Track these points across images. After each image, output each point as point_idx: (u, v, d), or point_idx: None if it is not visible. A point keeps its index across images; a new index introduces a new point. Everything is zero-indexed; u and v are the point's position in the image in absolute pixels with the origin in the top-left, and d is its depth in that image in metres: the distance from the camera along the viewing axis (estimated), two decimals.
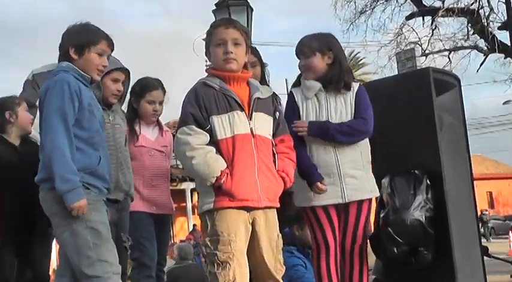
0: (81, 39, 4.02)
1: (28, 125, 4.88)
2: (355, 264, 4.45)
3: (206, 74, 4.09)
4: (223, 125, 3.86)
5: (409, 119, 4.77)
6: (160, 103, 5.08)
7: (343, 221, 4.45)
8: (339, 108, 4.43)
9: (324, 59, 4.48)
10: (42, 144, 3.90)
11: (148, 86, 4.99)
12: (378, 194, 4.53)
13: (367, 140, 4.48)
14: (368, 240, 4.55)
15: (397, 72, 14.19)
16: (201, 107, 3.87)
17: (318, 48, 4.49)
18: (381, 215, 4.62)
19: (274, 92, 4.31)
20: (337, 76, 4.43)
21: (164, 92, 5.13)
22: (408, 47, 15.87)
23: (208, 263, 3.84)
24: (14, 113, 4.83)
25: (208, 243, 3.81)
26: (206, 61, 4.45)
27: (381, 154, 4.52)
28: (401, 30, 18.64)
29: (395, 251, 4.48)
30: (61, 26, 4.70)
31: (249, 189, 3.80)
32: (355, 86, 4.49)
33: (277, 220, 3.99)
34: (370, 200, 4.48)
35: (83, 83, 3.99)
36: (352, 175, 4.38)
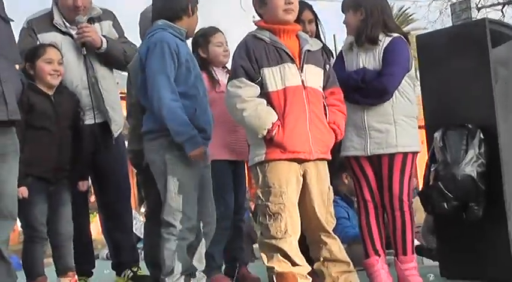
0: None
1: (46, 77, 4.73)
2: (397, 220, 4.35)
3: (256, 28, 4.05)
4: (274, 77, 3.84)
5: (464, 71, 4.65)
6: (227, 44, 5.13)
7: (378, 175, 4.42)
8: (367, 63, 4.41)
9: (357, 15, 4.46)
10: (149, 101, 4.10)
11: (210, 32, 5.01)
12: (410, 150, 4.38)
13: (404, 92, 4.38)
14: (417, 196, 4.50)
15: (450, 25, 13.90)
16: (251, 60, 3.85)
17: (351, 5, 4.51)
18: (431, 170, 4.55)
19: (324, 45, 4.30)
20: (361, 31, 4.41)
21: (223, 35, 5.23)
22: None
23: (260, 214, 3.85)
24: (33, 65, 4.74)
25: (260, 194, 3.82)
26: (254, 17, 4.43)
27: (433, 107, 4.46)
28: None
29: (446, 206, 4.42)
30: None
31: (301, 141, 3.79)
32: (386, 39, 4.39)
33: (328, 172, 3.98)
34: (405, 154, 4.35)
35: (180, 39, 4.18)
36: (377, 129, 4.34)
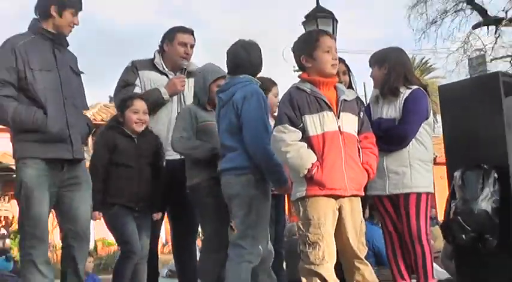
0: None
1: (132, 125, 4.87)
2: (418, 252, 4.32)
3: (299, 79, 4.08)
4: (315, 123, 3.85)
5: (480, 117, 4.69)
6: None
7: (397, 212, 4.42)
8: (390, 113, 4.45)
9: (381, 70, 4.50)
10: (247, 144, 4.20)
11: (271, 83, 5.10)
12: (423, 190, 4.36)
13: (420, 139, 4.38)
14: (436, 225, 4.48)
15: (465, 77, 13.84)
16: (294, 108, 3.87)
17: (376, 60, 4.56)
18: (452, 205, 4.54)
19: (358, 96, 4.31)
20: (384, 83, 4.45)
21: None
22: (474, 54, 15.70)
23: (301, 243, 3.85)
24: (122, 114, 4.91)
25: (301, 226, 3.83)
26: (294, 66, 4.48)
27: (454, 149, 4.48)
28: (468, 38, 18.11)
29: (464, 237, 4.42)
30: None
31: (337, 180, 3.78)
32: (407, 91, 4.42)
33: (361, 207, 3.97)
34: (418, 194, 4.34)
35: None
36: (395, 171, 4.35)
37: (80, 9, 4.33)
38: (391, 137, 4.34)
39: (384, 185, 4.38)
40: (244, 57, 4.35)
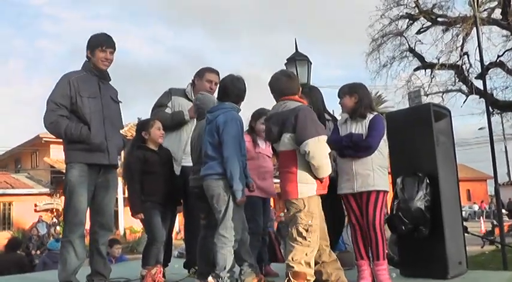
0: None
1: (158, 138, 4.82)
2: (372, 238, 4.31)
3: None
4: None
5: (417, 137, 4.68)
6: None
7: (360, 207, 4.37)
8: (358, 130, 4.38)
9: (352, 99, 4.44)
10: (224, 156, 4.02)
11: (263, 111, 4.92)
12: (382, 189, 4.31)
13: (380, 150, 4.35)
14: (384, 220, 4.45)
15: (408, 106, 13.98)
16: None
17: (347, 92, 4.49)
18: (395, 203, 4.53)
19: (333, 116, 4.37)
20: (357, 110, 4.41)
21: None
22: (415, 89, 15.99)
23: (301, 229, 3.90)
24: (147, 132, 4.82)
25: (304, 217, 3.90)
26: None
27: (396, 161, 4.46)
28: (410, 78, 18.30)
29: (404, 228, 4.42)
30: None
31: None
32: (370, 116, 4.40)
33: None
34: (377, 192, 4.29)
35: None
36: (361, 174, 4.29)
37: (109, 46, 4.26)
38: (361, 147, 4.31)
39: (353, 185, 4.32)
40: (230, 89, 4.24)
